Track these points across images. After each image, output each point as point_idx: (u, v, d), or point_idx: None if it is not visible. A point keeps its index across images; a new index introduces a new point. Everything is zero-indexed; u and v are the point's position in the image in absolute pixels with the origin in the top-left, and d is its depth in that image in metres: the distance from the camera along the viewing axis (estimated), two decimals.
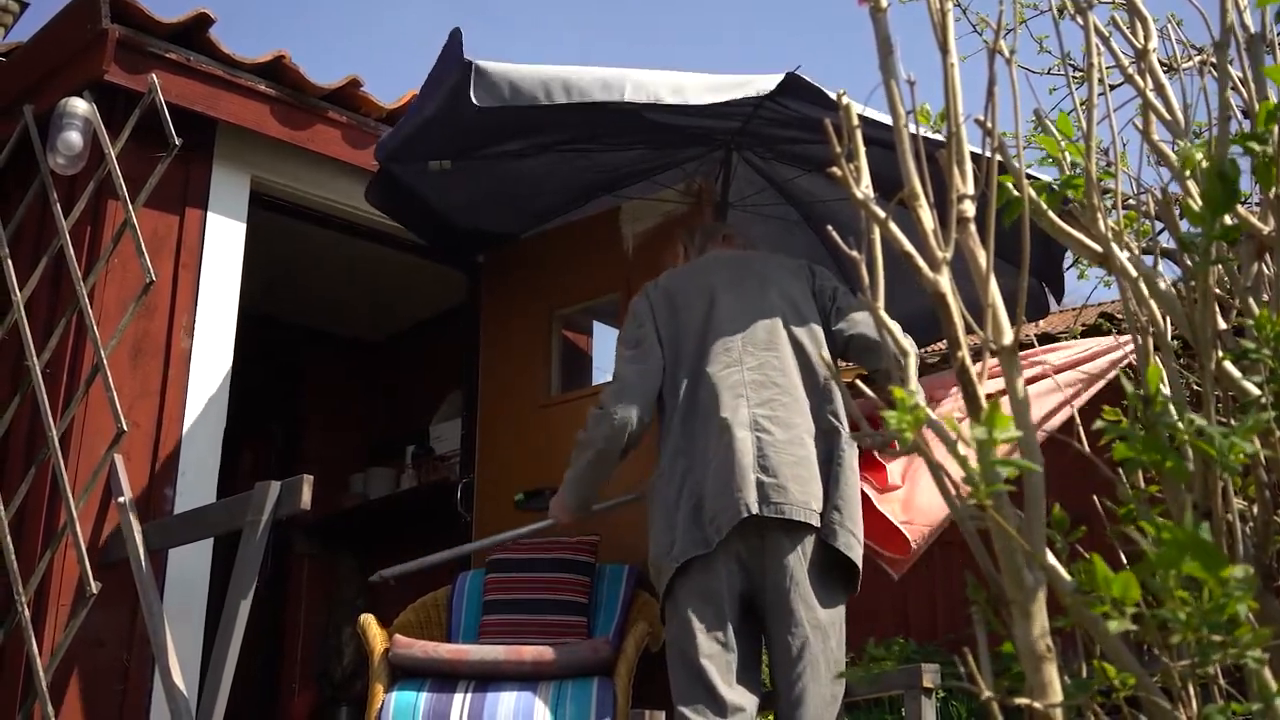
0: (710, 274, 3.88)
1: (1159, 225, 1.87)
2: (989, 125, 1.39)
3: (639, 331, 3.81)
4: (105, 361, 4.07)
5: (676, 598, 3.52)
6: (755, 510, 3.48)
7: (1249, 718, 1.28)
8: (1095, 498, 1.83)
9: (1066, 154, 1.73)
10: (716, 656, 3.46)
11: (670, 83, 3.69)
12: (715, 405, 3.61)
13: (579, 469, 3.84)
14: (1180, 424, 1.34)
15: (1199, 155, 1.57)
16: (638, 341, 3.79)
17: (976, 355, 1.28)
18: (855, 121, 1.31)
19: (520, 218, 5.02)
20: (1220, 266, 1.61)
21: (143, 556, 3.96)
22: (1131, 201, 1.92)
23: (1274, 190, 1.52)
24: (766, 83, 3.68)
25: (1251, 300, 1.58)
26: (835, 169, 1.29)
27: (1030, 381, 4.04)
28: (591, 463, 3.79)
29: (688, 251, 4.07)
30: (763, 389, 3.63)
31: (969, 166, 1.32)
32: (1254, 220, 1.55)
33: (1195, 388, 1.71)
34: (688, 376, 3.69)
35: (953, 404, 4.02)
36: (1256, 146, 1.47)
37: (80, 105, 4.34)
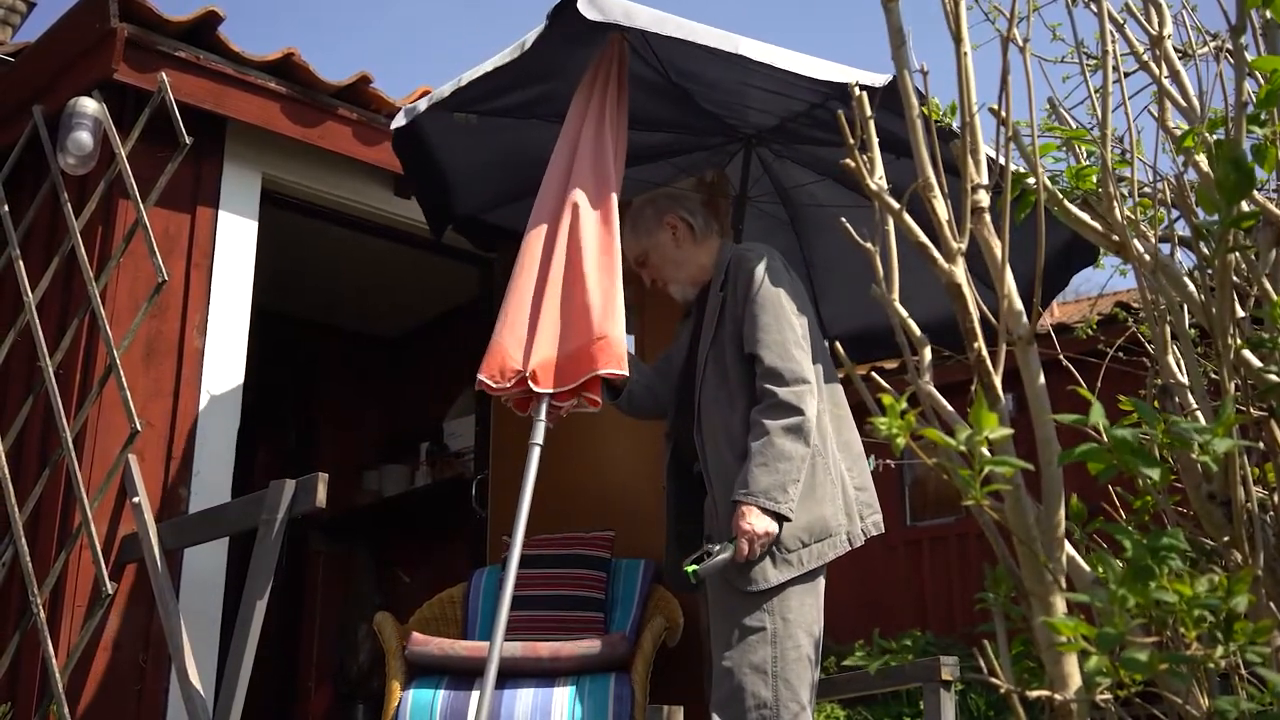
0: (800, 279, 3.83)
1: (1175, 213, 1.86)
2: (1003, 114, 1.38)
3: (802, 320, 3.58)
4: (118, 361, 4.07)
5: (817, 579, 3.45)
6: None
7: (1267, 708, 1.26)
8: (1111, 487, 1.82)
9: (1081, 147, 1.72)
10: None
11: (780, 53, 3.61)
12: (850, 413, 3.67)
13: (801, 479, 3.41)
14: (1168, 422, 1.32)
15: (1205, 130, 1.56)
16: (806, 331, 3.57)
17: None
18: (869, 112, 1.30)
19: (527, 189, 4.86)
20: (1238, 253, 1.59)
21: (158, 556, 3.96)
22: (1147, 189, 1.90)
23: None
24: (871, 78, 3.57)
25: (1270, 286, 1.57)
26: (849, 160, 1.28)
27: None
28: (803, 476, 3.46)
29: (692, 228, 3.83)
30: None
31: (984, 156, 1.31)
32: (1272, 207, 1.54)
33: (1214, 375, 1.69)
34: (826, 375, 3.64)
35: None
36: (1257, 129, 1.46)
37: (90, 105, 4.34)
